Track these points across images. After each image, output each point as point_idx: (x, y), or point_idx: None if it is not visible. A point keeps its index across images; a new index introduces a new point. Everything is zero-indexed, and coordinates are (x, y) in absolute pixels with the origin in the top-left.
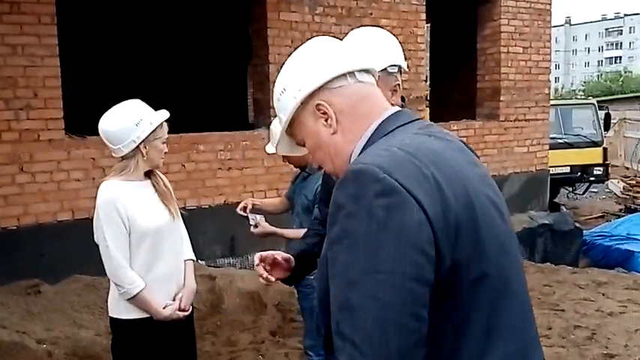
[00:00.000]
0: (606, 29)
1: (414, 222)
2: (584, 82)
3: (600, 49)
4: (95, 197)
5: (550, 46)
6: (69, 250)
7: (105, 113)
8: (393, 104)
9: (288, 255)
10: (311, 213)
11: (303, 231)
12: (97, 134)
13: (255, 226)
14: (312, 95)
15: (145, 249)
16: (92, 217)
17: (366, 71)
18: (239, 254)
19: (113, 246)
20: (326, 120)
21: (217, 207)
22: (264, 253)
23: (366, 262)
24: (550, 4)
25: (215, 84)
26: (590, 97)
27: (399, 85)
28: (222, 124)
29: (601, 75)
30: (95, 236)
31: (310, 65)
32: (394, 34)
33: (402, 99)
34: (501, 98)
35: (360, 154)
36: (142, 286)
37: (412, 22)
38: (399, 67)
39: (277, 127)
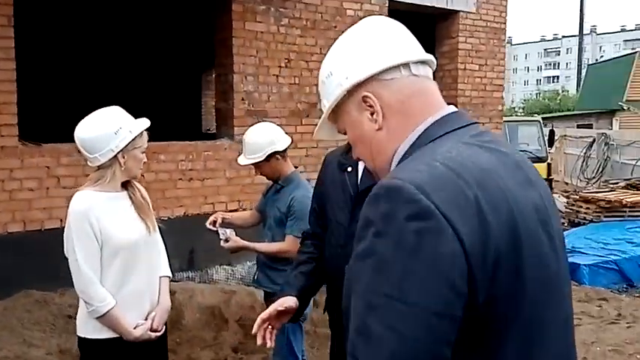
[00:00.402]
0: (545, 50)
1: (447, 252)
2: (524, 100)
3: (539, 68)
4: (49, 208)
5: (504, 64)
6: (19, 263)
7: (82, 120)
8: None
9: (292, 300)
10: (284, 226)
11: (275, 245)
12: (52, 142)
13: (226, 240)
14: (360, 85)
15: (118, 264)
16: (45, 230)
17: (423, 63)
18: (198, 268)
19: (83, 260)
20: (372, 114)
21: (177, 219)
22: (265, 314)
23: (389, 288)
24: (505, 24)
25: (169, 93)
26: (536, 115)
27: None
28: (175, 133)
29: (540, 93)
30: (65, 248)
31: (362, 51)
32: None
33: None
34: None
35: (403, 156)
36: (112, 304)
37: None
38: None
39: (251, 137)
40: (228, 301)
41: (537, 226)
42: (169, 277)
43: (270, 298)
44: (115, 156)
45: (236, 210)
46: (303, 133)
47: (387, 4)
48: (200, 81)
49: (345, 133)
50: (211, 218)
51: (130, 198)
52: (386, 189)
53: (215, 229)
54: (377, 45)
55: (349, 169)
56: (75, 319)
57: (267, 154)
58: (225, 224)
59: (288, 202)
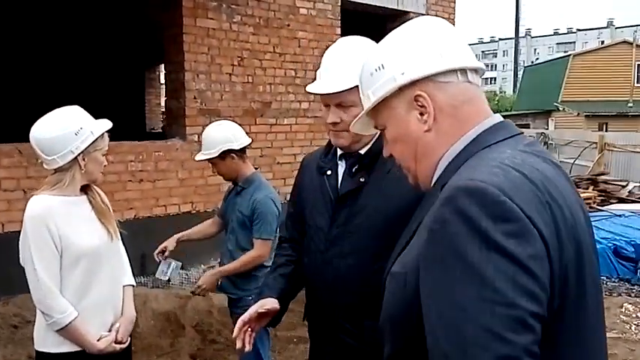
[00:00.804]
0: (482, 52)
1: (536, 254)
2: None
3: None
4: None
5: None
6: None
7: (40, 119)
8: None
9: (274, 301)
10: (247, 228)
11: (244, 257)
12: None
13: (169, 280)
14: (414, 83)
15: (79, 273)
16: None
17: (476, 71)
18: (151, 272)
19: (42, 269)
20: (421, 114)
21: (127, 222)
22: (246, 316)
23: (482, 290)
24: (453, 24)
25: (111, 91)
26: None
27: None
28: (119, 132)
29: None
30: (21, 257)
31: (421, 49)
32: (310, 47)
33: None
34: None
35: (452, 161)
36: (73, 315)
37: (328, 36)
38: None
39: (208, 133)
40: (184, 307)
41: (588, 236)
42: (133, 286)
43: (236, 305)
44: (75, 158)
45: (189, 212)
46: (257, 133)
47: (339, 3)
48: (143, 78)
49: (382, 130)
50: (160, 247)
51: (90, 202)
52: (466, 190)
53: (160, 260)
54: (437, 45)
55: (329, 172)
56: (20, 328)
57: (220, 150)
58: (172, 255)
59: (250, 204)
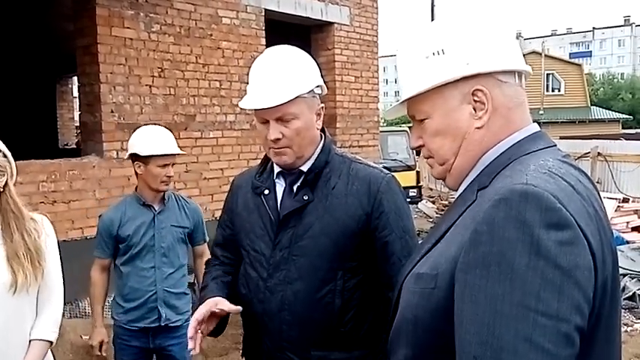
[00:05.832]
0: None
1: (584, 264)
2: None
3: (396, 80)
4: None
5: (378, 76)
6: None
7: None
8: (318, 129)
9: (226, 301)
10: (184, 242)
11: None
12: None
13: None
14: (476, 76)
15: None
16: None
17: (525, 77)
18: (67, 300)
19: None
20: (475, 109)
21: None
22: (200, 316)
23: (525, 297)
24: (377, 37)
25: (19, 105)
26: (404, 125)
27: (322, 108)
28: (30, 150)
29: None
30: None
31: (490, 41)
32: (235, 58)
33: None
34: (337, 125)
35: (490, 163)
36: None
37: (253, 46)
38: (321, 88)
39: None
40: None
41: (616, 251)
42: (50, 342)
43: (176, 335)
44: None
45: None
46: (182, 147)
47: (263, 13)
48: (54, 91)
49: (419, 121)
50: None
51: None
52: (521, 194)
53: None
54: (504, 41)
55: (266, 192)
56: None
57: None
58: None
59: (188, 215)
